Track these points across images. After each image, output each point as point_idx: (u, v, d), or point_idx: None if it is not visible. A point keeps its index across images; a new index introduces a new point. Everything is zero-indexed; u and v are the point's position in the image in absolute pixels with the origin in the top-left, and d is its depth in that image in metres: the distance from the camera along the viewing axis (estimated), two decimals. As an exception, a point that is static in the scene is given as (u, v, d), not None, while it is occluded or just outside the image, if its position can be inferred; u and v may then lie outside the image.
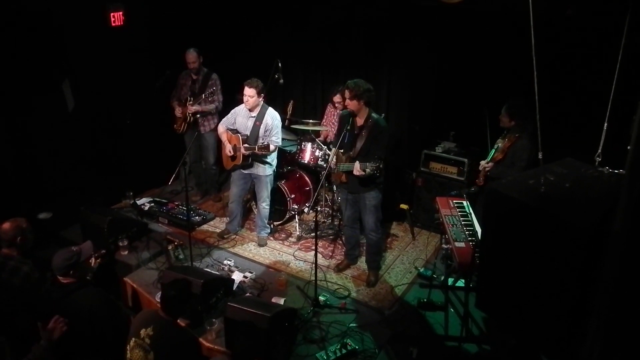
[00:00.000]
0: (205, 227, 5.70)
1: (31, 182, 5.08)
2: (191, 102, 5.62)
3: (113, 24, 5.62)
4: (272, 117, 4.95)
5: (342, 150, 4.49)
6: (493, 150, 4.47)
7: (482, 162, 4.53)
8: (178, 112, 5.80)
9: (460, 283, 4.31)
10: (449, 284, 4.34)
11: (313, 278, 4.42)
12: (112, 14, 5.58)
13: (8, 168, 4.90)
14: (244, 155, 4.89)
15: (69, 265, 3.28)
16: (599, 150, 2.52)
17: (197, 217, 5.72)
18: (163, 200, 5.99)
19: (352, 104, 4.31)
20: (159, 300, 3.91)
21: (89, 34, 5.39)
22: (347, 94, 4.31)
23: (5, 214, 3.75)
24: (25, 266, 3.55)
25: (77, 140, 5.49)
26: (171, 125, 5.95)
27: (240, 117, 5.01)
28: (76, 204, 5.16)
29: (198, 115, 5.70)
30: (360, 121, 4.40)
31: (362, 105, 4.31)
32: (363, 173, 4.21)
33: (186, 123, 5.78)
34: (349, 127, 4.40)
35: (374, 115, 4.37)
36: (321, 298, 4.43)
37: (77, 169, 5.49)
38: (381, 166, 4.14)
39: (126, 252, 4.92)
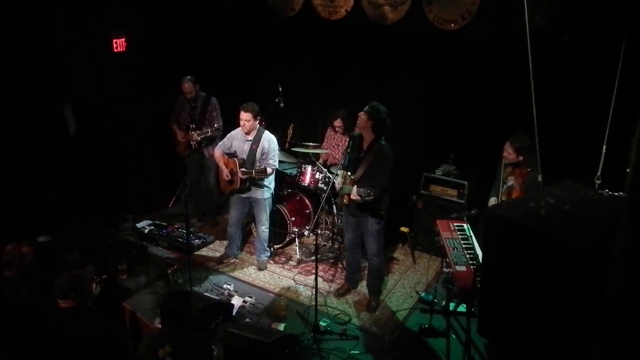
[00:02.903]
0: (205, 250, 5.67)
1: (31, 205, 5.07)
2: (197, 132, 5.63)
3: (115, 50, 5.71)
4: (269, 140, 4.96)
5: (349, 173, 4.48)
6: (506, 188, 4.34)
7: (497, 201, 4.38)
8: (180, 136, 5.84)
9: (462, 308, 4.25)
10: (451, 309, 4.28)
11: (313, 303, 4.37)
12: (114, 40, 5.68)
13: (8, 191, 4.90)
14: (241, 179, 4.89)
15: (70, 288, 3.25)
16: (599, 173, 2.51)
17: (196, 240, 5.69)
18: (163, 224, 5.98)
19: (361, 119, 4.31)
20: (158, 325, 3.86)
21: (92, 59, 5.47)
22: (365, 108, 4.32)
23: (5, 237, 3.75)
24: (24, 290, 3.52)
25: (77, 164, 5.51)
26: (173, 147, 5.99)
27: (237, 141, 5.03)
28: (76, 227, 5.15)
29: (203, 144, 5.73)
30: (366, 145, 4.39)
31: (369, 127, 4.28)
32: (359, 198, 4.20)
33: (190, 149, 5.82)
34: (349, 150, 4.42)
35: (380, 141, 4.35)
36: (321, 324, 4.37)
37: (78, 192, 5.49)
38: (372, 194, 4.10)
39: (125, 277, 4.88)
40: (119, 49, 5.75)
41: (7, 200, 4.87)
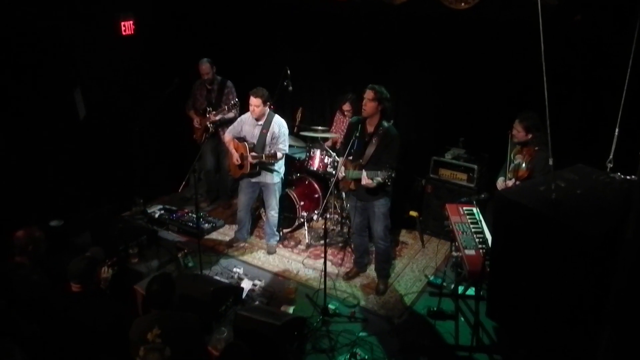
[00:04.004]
0: (214, 234, 5.71)
1: (43, 190, 5.12)
2: (213, 113, 5.66)
3: (124, 33, 5.70)
4: (279, 124, 4.95)
5: (350, 158, 4.46)
6: (514, 167, 4.27)
7: (507, 182, 4.27)
8: (197, 122, 5.85)
9: (471, 291, 4.26)
10: (459, 292, 4.30)
11: (322, 286, 4.40)
12: (122, 23, 5.66)
13: (20, 176, 4.95)
14: (251, 163, 4.89)
15: (85, 272, 3.29)
16: (611, 156, 2.48)
17: (206, 225, 5.73)
18: (173, 208, 6.02)
19: (371, 106, 4.24)
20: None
21: (100, 43, 5.47)
22: (369, 94, 4.23)
23: (17, 222, 3.78)
24: (36, 275, 3.56)
25: (87, 148, 5.54)
26: (191, 135, 6.00)
27: (247, 126, 5.02)
28: (87, 212, 5.20)
29: (219, 124, 5.74)
30: (370, 128, 4.36)
31: (378, 111, 4.27)
32: (370, 181, 4.18)
33: (207, 133, 5.82)
34: (357, 134, 4.35)
35: (384, 122, 4.32)
36: (330, 307, 4.40)
37: (88, 176, 5.53)
38: (393, 175, 4.07)
39: (136, 260, 4.93)
40: (127, 32, 5.72)
41: (19, 186, 4.92)
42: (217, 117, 5.68)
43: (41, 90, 5.02)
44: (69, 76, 5.35)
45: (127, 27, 5.72)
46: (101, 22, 5.47)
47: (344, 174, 4.48)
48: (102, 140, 5.69)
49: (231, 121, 5.65)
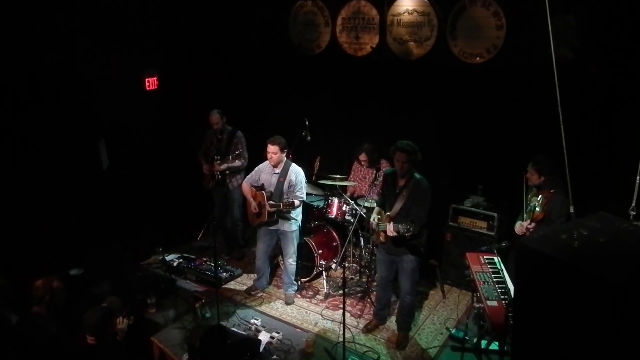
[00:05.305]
0: (232, 283, 5.67)
1: (63, 238, 5.19)
2: (218, 162, 5.78)
3: (148, 88, 5.96)
4: (296, 173, 5.01)
5: (384, 210, 4.42)
6: (530, 209, 4.27)
7: (522, 223, 4.27)
8: (205, 169, 5.98)
9: (494, 346, 4.10)
10: (482, 346, 4.14)
11: (341, 339, 4.28)
12: (147, 79, 5.94)
13: (41, 224, 5.04)
14: (269, 212, 4.92)
15: (102, 323, 3.27)
16: (633, 204, 2.44)
17: (224, 274, 5.70)
18: (191, 257, 6.02)
19: (406, 167, 4.21)
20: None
21: (125, 97, 5.70)
22: (402, 157, 4.19)
23: (38, 271, 3.81)
24: (53, 326, 3.53)
25: (108, 197, 5.65)
26: (201, 180, 6.11)
27: (265, 174, 5.10)
28: (107, 260, 5.23)
29: (227, 172, 5.84)
30: (402, 181, 4.33)
31: (411, 166, 4.25)
32: (396, 234, 4.14)
33: (214, 180, 5.93)
34: (376, 182, 4.36)
35: (416, 175, 4.30)
36: (349, 361, 4.28)
37: (109, 224, 5.60)
38: (412, 229, 4.02)
39: (154, 310, 4.91)
40: (151, 87, 5.99)
41: (40, 233, 4.99)
42: (222, 167, 5.79)
43: (65, 140, 5.20)
44: (94, 127, 5.55)
45: (152, 82, 6.00)
46: (127, 78, 5.72)
47: (376, 222, 4.44)
48: (123, 190, 5.80)
49: (238, 170, 5.78)
